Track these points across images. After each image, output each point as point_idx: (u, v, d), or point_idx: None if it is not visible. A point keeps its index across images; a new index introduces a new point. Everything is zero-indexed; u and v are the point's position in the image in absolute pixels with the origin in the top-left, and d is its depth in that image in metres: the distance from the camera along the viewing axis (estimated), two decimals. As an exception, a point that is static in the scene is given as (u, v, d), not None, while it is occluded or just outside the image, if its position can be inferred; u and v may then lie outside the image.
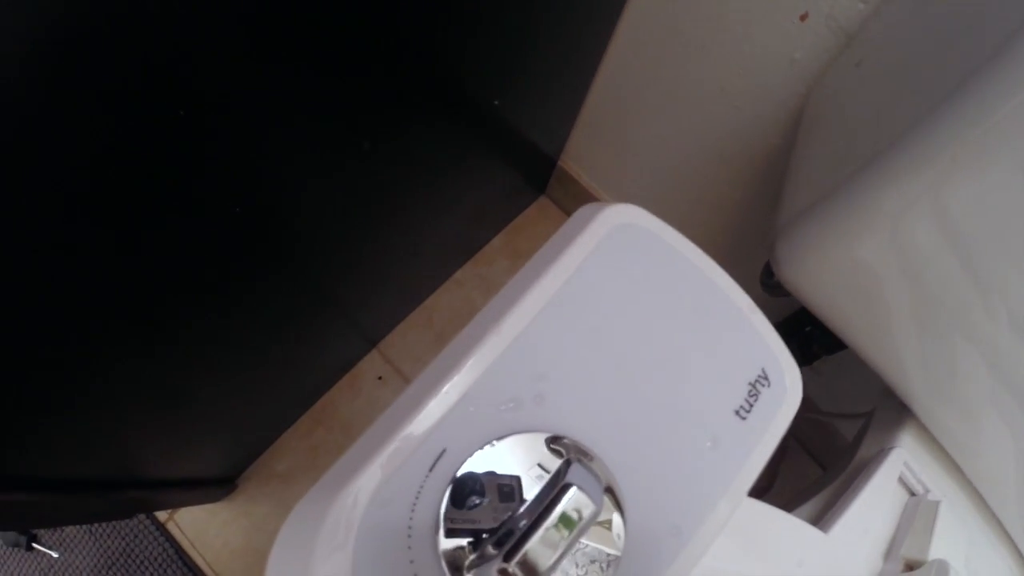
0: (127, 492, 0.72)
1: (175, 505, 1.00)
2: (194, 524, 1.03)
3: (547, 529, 0.16)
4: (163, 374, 0.55)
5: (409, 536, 0.18)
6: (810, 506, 0.45)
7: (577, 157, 1.07)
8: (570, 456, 0.18)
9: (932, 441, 0.46)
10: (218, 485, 1.02)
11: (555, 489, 0.17)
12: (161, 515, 1.02)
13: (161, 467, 0.78)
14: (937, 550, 0.38)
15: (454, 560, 0.18)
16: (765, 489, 0.80)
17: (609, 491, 0.19)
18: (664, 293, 0.24)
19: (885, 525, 0.42)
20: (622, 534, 0.20)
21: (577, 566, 0.18)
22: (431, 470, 0.18)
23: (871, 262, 0.36)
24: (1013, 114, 0.25)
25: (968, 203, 0.29)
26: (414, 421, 0.19)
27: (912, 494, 0.44)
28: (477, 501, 0.18)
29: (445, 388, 0.20)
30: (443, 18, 0.43)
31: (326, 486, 0.19)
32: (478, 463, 0.19)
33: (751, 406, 0.24)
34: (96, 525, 1.03)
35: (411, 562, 0.18)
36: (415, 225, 0.70)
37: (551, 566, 0.16)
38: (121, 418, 0.55)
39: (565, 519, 0.16)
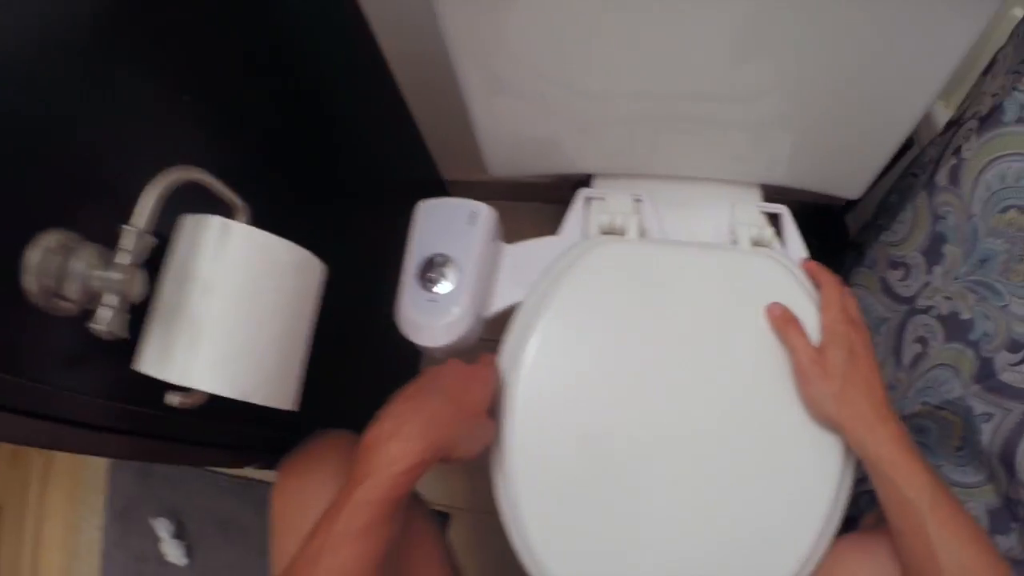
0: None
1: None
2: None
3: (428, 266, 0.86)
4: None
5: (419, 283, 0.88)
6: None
7: (449, 168, 1.52)
8: (435, 258, 0.88)
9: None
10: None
11: (424, 258, 0.88)
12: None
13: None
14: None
15: (424, 284, 0.88)
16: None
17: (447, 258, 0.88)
18: (441, 217, 0.93)
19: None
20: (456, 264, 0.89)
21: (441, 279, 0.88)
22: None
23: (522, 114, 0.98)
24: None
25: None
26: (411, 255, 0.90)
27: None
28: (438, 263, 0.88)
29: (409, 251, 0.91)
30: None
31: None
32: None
33: (475, 221, 0.92)
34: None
35: (425, 296, 0.88)
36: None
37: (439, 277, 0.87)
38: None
39: (430, 265, 0.87)
